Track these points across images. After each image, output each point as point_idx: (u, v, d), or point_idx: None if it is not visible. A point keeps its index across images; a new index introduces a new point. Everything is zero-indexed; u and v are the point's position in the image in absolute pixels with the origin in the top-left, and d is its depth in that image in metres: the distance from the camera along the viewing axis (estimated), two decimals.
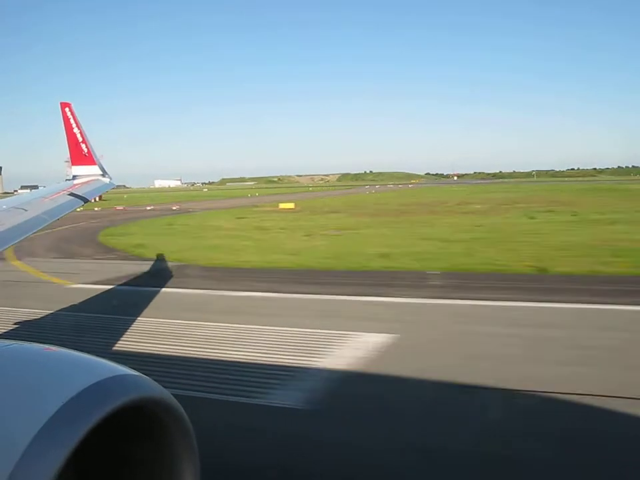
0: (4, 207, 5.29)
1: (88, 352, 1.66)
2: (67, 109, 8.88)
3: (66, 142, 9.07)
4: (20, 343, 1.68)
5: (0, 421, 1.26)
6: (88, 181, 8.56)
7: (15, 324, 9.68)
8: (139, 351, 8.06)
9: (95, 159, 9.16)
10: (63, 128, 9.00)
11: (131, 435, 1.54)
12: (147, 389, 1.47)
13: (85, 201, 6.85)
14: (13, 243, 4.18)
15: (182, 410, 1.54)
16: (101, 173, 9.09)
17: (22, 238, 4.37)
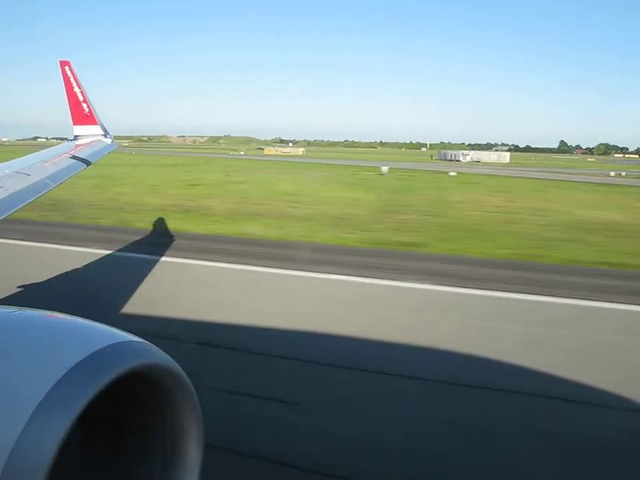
0: (6, 171, 5.22)
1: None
2: (66, 67, 8.67)
3: (66, 101, 8.93)
4: (21, 309, 1.65)
5: (5, 388, 1.26)
6: (90, 142, 8.45)
7: None
8: None
9: (96, 118, 9.03)
10: (63, 87, 8.84)
11: (135, 402, 1.56)
12: (151, 355, 1.46)
13: (88, 163, 6.76)
14: (16, 209, 4.14)
15: (186, 377, 1.54)
16: (103, 133, 8.98)
17: (25, 203, 4.35)
